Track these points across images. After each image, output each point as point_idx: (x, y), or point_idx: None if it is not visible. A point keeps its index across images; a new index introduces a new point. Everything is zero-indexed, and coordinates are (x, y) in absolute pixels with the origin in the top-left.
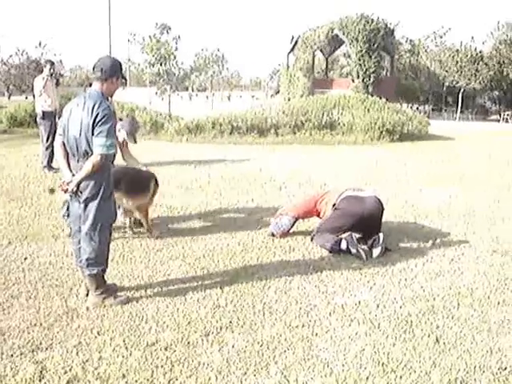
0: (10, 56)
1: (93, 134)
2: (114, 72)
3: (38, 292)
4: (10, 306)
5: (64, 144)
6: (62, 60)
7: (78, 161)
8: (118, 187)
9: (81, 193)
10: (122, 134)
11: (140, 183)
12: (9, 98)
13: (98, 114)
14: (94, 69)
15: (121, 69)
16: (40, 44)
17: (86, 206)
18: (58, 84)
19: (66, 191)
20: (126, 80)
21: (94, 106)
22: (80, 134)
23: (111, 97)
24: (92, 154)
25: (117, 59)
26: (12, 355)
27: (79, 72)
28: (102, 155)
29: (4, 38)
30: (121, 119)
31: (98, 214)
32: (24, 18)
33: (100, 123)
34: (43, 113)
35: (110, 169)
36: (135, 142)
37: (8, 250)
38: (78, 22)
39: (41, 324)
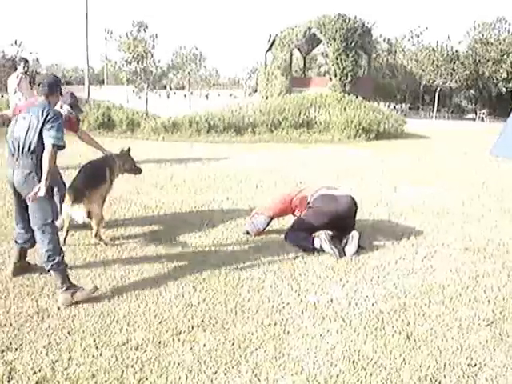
0: None
1: (41, 132)
2: (56, 88)
3: (8, 292)
4: None
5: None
6: (39, 58)
7: (16, 159)
8: (74, 185)
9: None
10: (64, 110)
11: (95, 174)
12: None
13: (48, 114)
14: (39, 85)
15: (59, 85)
16: (16, 42)
17: (32, 204)
18: (33, 83)
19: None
20: (62, 94)
21: (43, 109)
22: (26, 133)
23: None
24: (36, 149)
25: (57, 77)
26: None
27: (55, 70)
28: (54, 145)
29: None
30: (61, 94)
31: (46, 208)
32: None
33: (51, 120)
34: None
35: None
36: (82, 112)
37: None
38: (54, 20)
39: (11, 324)
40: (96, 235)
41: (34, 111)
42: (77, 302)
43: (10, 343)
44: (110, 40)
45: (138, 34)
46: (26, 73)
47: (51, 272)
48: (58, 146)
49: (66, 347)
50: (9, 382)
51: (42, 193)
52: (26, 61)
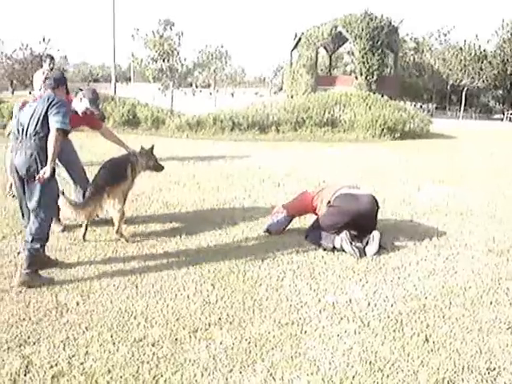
0: (14, 51)
1: (45, 116)
2: (61, 82)
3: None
4: (0, 300)
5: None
6: (67, 56)
7: (20, 141)
8: (96, 181)
9: (27, 172)
10: (83, 104)
11: (116, 171)
12: (12, 92)
13: (53, 100)
14: (45, 79)
15: (65, 81)
16: (44, 39)
17: (30, 185)
18: None
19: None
20: (68, 91)
21: (49, 97)
22: (31, 118)
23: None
24: (39, 131)
25: (63, 73)
26: None
27: (83, 67)
28: (59, 129)
29: None
30: (81, 89)
31: (42, 192)
32: (29, 14)
33: (56, 106)
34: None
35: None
36: (99, 110)
37: (1, 244)
38: (82, 18)
39: (30, 318)
40: (117, 231)
41: (39, 101)
42: (30, 286)
43: (28, 337)
44: (137, 38)
45: (164, 32)
46: (51, 69)
47: (25, 251)
48: (64, 131)
49: (83, 342)
50: (25, 375)
51: (47, 174)
52: (52, 58)
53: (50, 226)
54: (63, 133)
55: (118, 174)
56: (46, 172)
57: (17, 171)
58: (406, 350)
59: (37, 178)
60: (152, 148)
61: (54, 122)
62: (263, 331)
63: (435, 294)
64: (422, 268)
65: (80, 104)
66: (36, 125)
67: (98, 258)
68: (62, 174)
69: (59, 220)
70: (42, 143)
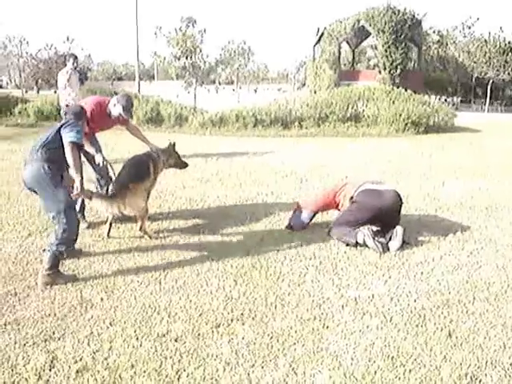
0: (39, 51)
1: (57, 133)
2: (80, 117)
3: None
4: (26, 297)
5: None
6: (91, 55)
7: (30, 153)
8: (119, 179)
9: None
10: (117, 109)
11: (138, 169)
12: (38, 92)
13: (68, 121)
14: (65, 114)
15: (84, 115)
16: (68, 39)
17: (41, 197)
18: (86, 78)
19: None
20: (88, 123)
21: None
22: (43, 136)
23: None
24: (47, 144)
25: (82, 107)
26: (25, 344)
27: (107, 66)
28: (71, 142)
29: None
30: (116, 93)
31: (55, 201)
32: (53, 13)
33: (70, 125)
34: (67, 106)
35: (60, 159)
36: (132, 117)
37: (27, 241)
38: (106, 17)
39: (55, 314)
40: (141, 228)
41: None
42: (52, 284)
43: (54, 332)
44: (160, 36)
45: (186, 30)
46: (75, 68)
47: (49, 252)
48: (77, 145)
49: (107, 337)
50: (50, 370)
51: (79, 189)
52: (75, 57)
53: (77, 226)
54: (77, 146)
55: (141, 171)
56: (78, 188)
57: (25, 184)
58: (429, 345)
59: (73, 195)
60: (174, 145)
61: (68, 137)
62: (285, 326)
63: (459, 289)
64: (446, 263)
65: (114, 109)
66: (46, 139)
67: (122, 255)
68: (88, 170)
69: (84, 217)
70: (48, 155)
